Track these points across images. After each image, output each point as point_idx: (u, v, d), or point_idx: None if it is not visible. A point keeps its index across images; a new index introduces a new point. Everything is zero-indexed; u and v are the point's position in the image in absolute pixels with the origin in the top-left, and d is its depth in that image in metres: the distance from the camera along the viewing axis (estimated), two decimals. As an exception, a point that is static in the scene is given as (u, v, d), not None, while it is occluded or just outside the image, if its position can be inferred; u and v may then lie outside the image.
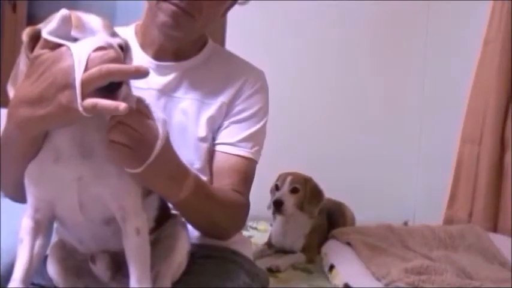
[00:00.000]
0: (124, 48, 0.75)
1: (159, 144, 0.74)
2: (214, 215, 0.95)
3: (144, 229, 0.78)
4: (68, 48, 0.68)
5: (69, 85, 0.66)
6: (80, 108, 0.65)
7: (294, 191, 1.68)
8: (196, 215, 0.92)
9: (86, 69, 0.66)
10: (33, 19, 2.52)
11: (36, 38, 0.72)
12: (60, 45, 0.69)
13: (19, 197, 0.82)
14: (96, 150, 0.75)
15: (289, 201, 1.67)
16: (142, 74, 0.68)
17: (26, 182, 0.77)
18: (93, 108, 0.65)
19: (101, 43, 0.68)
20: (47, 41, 0.70)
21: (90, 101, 0.65)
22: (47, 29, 0.70)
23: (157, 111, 0.77)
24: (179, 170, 0.84)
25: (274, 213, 1.65)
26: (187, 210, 0.90)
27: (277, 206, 1.63)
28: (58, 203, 0.77)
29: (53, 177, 0.75)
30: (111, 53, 0.68)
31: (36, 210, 0.77)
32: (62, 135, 0.75)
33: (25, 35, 0.73)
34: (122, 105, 0.66)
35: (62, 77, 0.66)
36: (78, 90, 0.65)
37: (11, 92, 0.74)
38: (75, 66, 0.66)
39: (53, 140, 0.75)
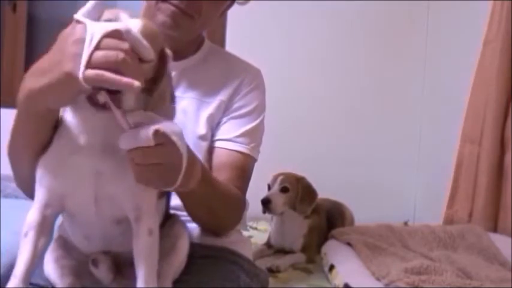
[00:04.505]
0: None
1: (184, 165, 0.73)
2: (216, 205, 0.95)
3: (156, 230, 0.78)
4: (85, 25, 0.66)
5: (76, 55, 0.64)
6: (81, 75, 0.63)
7: (283, 190, 1.68)
8: (199, 204, 0.93)
9: (97, 48, 0.64)
10: (33, 19, 2.52)
11: None
12: None
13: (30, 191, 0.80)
14: (118, 147, 0.72)
15: (278, 200, 1.66)
16: (131, 88, 0.65)
17: (39, 172, 0.75)
18: (96, 78, 0.63)
19: (119, 27, 0.65)
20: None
21: (93, 71, 0.63)
22: (80, 12, 0.69)
23: (171, 126, 0.72)
24: (190, 161, 0.79)
25: (264, 212, 1.65)
26: (192, 199, 0.90)
27: (265, 204, 1.63)
28: (72, 197, 0.76)
29: (71, 168, 0.73)
30: (120, 54, 0.64)
31: (47, 204, 0.75)
32: (83, 125, 0.74)
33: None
34: (135, 83, 0.63)
35: (71, 47, 0.65)
36: (84, 61, 0.63)
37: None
38: (86, 41, 0.64)
39: (72, 129, 0.74)
